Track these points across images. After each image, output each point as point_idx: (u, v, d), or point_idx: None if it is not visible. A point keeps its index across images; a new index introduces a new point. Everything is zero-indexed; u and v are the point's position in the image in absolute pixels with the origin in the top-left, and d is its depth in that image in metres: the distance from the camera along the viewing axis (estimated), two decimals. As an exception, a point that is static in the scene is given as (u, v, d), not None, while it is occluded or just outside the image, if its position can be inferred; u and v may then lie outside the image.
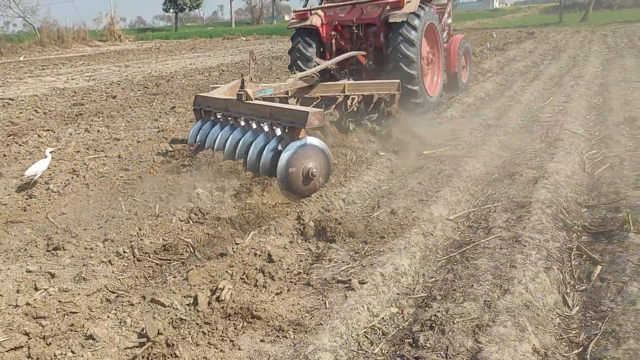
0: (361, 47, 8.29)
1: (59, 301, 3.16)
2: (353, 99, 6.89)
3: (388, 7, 7.68)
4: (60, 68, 20.92)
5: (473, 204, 4.64)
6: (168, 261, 3.73)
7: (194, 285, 3.21)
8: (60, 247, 3.88)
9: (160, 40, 46.19)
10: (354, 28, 8.18)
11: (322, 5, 8.78)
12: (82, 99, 11.70)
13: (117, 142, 7.28)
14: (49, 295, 3.25)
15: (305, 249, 3.94)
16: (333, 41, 8.40)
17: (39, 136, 7.85)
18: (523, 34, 25.92)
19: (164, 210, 4.45)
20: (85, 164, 6.24)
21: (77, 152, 6.84)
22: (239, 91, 5.45)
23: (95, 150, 6.93)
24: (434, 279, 3.42)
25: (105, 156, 6.59)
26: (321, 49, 8.52)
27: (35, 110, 10.22)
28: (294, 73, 6.92)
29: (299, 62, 8.32)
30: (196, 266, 3.43)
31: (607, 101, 8.63)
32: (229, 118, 5.62)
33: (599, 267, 3.32)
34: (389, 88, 6.80)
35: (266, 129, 5.13)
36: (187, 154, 5.63)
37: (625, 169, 5.08)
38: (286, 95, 6.79)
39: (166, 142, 7.11)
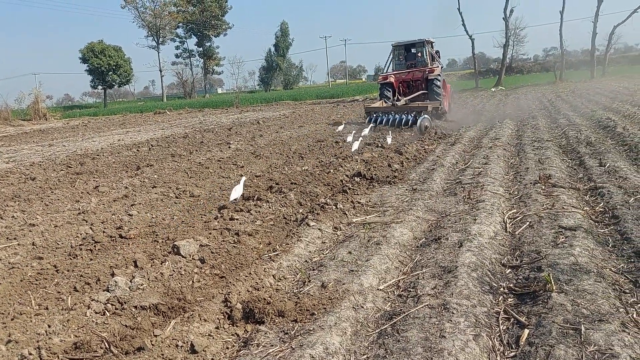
0: (413, 91, 18.65)
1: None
2: (428, 109, 15.71)
3: (427, 72, 18.53)
4: (-24, 150, 19.84)
5: (402, 271, 4.63)
6: (79, 361, 3.39)
7: (105, 389, 2.91)
8: (-46, 355, 3.45)
9: (89, 117, 45.30)
10: (410, 82, 19.07)
11: (393, 72, 19.71)
12: (-2, 183, 11.02)
13: (33, 228, 6.81)
14: None
15: (232, 334, 3.72)
16: (400, 88, 19.07)
17: (-57, 227, 7.22)
18: (444, 100, 27.51)
19: (78, 302, 4.12)
20: (-7, 254, 5.75)
21: (-14, 242, 6.32)
22: (392, 102, 17.35)
23: (7, 238, 6.43)
24: (365, 356, 3.29)
25: (18, 244, 6.12)
26: (391, 92, 19.06)
27: (-57, 198, 9.48)
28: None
29: (385, 99, 18.59)
30: (109, 365, 3.14)
31: (523, 161, 9.14)
32: (386, 113, 16.54)
33: (527, 331, 3.32)
34: (436, 105, 16.78)
35: (405, 114, 15.95)
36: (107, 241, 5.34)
37: (544, 227, 5.27)
38: (397, 106, 16.64)
39: (86, 225, 6.74)
